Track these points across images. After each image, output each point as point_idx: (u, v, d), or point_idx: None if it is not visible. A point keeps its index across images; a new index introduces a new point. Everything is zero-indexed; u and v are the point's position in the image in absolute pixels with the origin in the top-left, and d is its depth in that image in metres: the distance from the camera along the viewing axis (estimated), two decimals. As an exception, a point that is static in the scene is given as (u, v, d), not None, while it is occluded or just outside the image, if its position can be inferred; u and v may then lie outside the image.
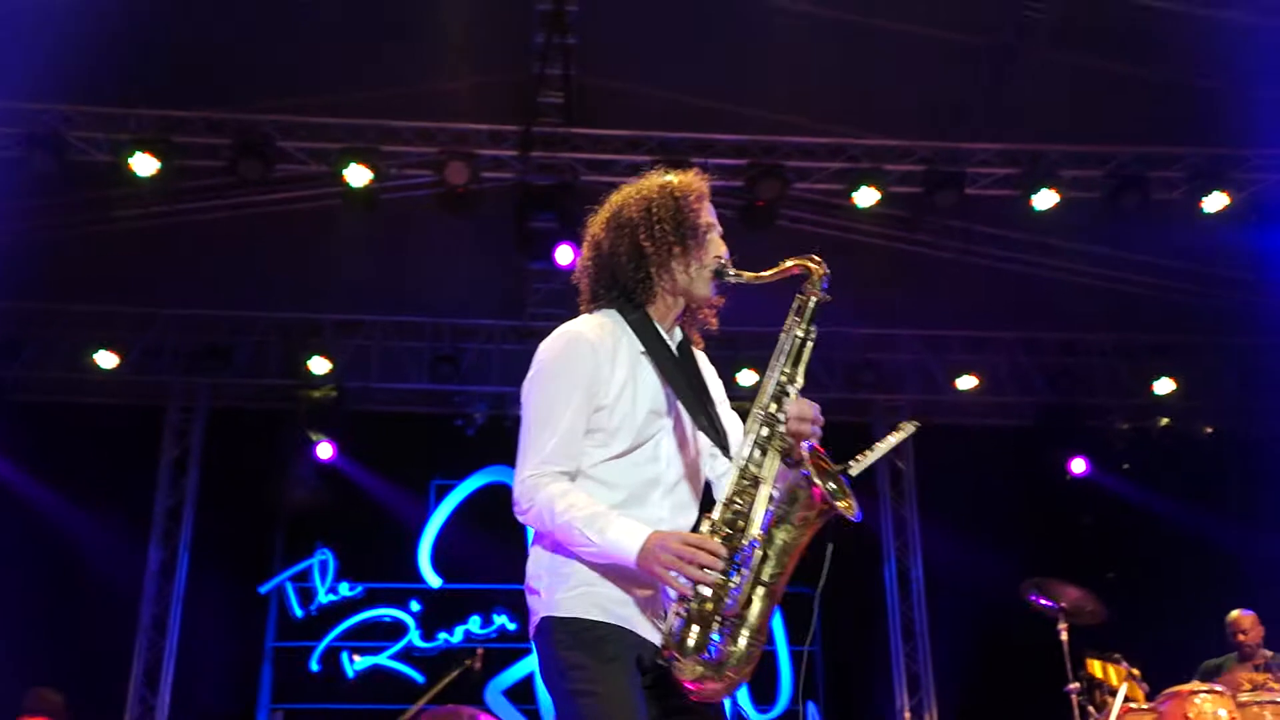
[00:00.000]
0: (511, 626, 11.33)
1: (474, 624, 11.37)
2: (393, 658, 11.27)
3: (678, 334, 3.31)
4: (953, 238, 10.79)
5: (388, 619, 11.44)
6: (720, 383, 3.36)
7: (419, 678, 10.99)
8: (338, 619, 11.39)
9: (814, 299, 3.09)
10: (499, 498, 11.05)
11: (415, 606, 11.47)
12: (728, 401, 3.32)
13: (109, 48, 8.70)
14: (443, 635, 11.36)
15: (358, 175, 9.11)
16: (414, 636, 11.36)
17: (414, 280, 10.79)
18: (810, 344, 3.06)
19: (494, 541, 10.13)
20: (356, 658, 11.21)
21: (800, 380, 3.03)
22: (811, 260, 3.13)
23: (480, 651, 8.24)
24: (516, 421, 3.13)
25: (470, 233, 9.91)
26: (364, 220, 9.51)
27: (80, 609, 10.49)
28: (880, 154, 9.67)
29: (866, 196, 9.50)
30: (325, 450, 11.19)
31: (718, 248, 3.28)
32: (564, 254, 9.62)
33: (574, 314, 3.28)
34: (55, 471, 10.87)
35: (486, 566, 11.02)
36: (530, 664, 11.30)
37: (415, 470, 11.71)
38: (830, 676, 11.68)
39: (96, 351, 11.06)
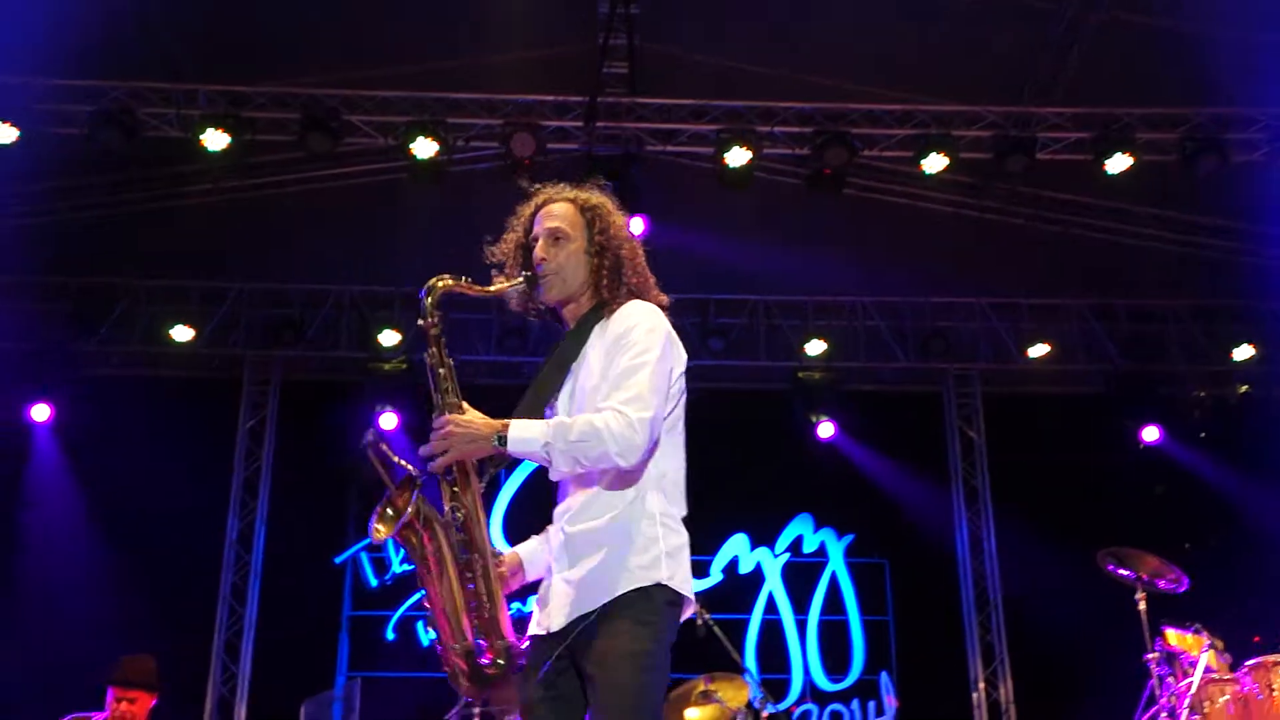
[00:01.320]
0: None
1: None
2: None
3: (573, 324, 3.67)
4: (1022, 203, 10.64)
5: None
6: (611, 352, 3.41)
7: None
8: (411, 589, 11.50)
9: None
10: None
11: (487, 576, 11.53)
12: (610, 373, 3.37)
13: (177, 23, 8.83)
14: (515, 605, 11.42)
15: (424, 148, 9.15)
16: (486, 606, 11.44)
17: (482, 253, 10.81)
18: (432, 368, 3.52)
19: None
20: (430, 628, 11.30)
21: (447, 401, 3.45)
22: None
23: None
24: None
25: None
26: (431, 193, 9.55)
27: (162, 580, 10.68)
28: (949, 120, 9.53)
29: (935, 163, 9.38)
30: (390, 421, 11.26)
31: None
32: (632, 225, 9.58)
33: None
34: (134, 443, 11.06)
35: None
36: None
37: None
38: (903, 646, 11.64)
39: (173, 325, 11.25)
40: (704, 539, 11.68)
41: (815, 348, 11.61)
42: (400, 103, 9.34)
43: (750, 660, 11.20)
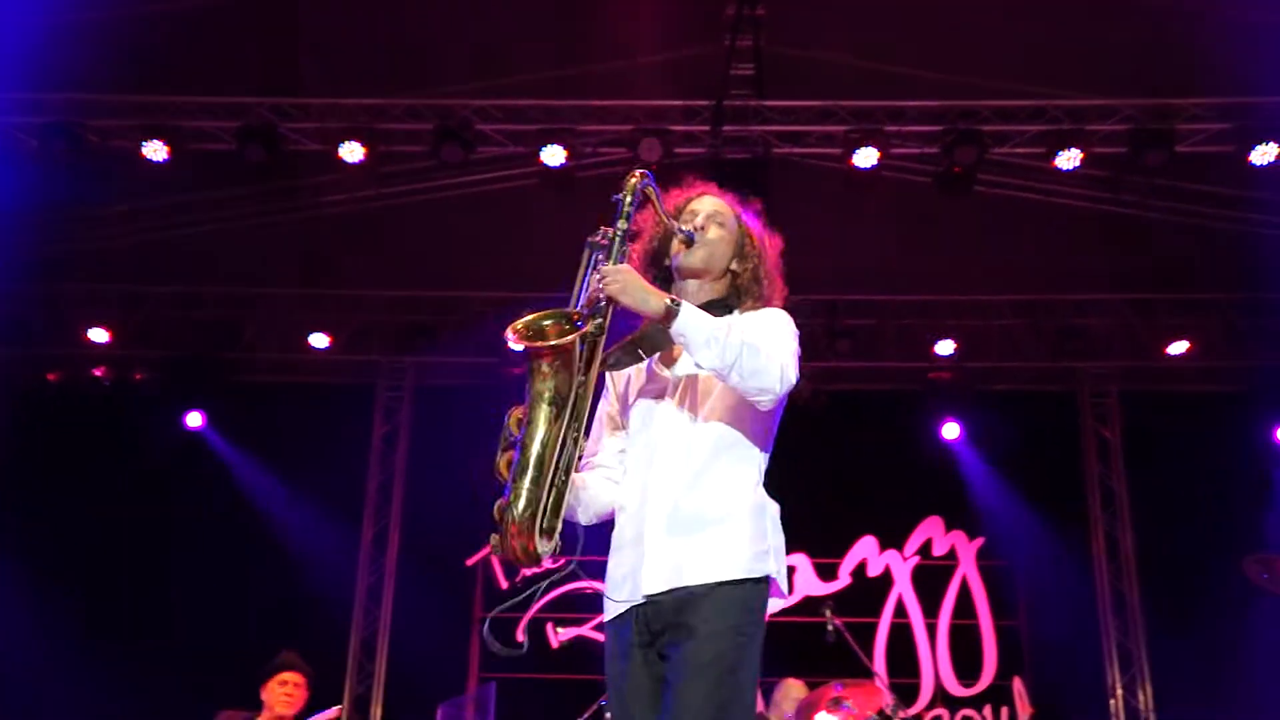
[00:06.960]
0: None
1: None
2: (596, 628, 11.45)
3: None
4: (1160, 197, 10.35)
5: (590, 591, 11.61)
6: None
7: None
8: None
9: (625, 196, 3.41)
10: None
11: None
12: None
13: (316, 40, 9.10)
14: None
15: (553, 155, 9.27)
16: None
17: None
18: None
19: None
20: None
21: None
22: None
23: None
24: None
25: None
26: (560, 199, 9.65)
27: (300, 583, 10.97)
28: (1083, 114, 9.34)
29: (1069, 159, 9.21)
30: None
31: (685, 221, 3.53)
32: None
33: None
34: (274, 448, 11.43)
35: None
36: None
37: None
38: (1035, 652, 11.42)
39: (310, 333, 11.56)
40: (832, 541, 11.65)
41: (945, 348, 11.48)
42: (532, 111, 9.46)
43: (879, 664, 11.11)
